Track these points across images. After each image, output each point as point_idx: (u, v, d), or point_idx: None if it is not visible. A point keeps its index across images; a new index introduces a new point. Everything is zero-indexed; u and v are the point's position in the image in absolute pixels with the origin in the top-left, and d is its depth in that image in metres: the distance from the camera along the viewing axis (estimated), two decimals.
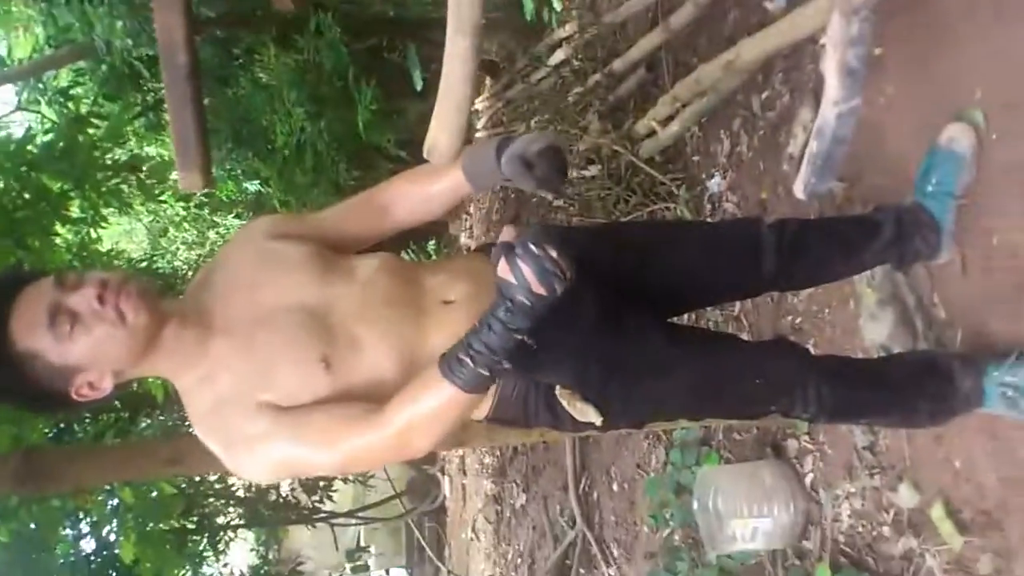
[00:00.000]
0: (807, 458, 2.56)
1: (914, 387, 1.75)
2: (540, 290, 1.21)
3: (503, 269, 1.23)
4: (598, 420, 1.52)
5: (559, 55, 4.07)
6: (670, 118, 3.21)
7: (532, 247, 1.21)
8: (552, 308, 1.24)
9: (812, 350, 1.79)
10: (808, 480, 2.54)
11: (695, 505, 2.83)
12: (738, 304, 2.94)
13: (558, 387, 1.52)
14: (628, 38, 3.77)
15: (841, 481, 2.38)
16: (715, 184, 3.14)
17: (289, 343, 1.37)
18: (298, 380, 1.36)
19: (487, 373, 1.26)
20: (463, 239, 7.85)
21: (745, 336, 2.86)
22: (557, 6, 3.96)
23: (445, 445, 2.35)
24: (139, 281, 1.36)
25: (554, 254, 1.21)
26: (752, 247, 1.71)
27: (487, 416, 1.55)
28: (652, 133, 3.39)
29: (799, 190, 1.49)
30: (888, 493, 2.20)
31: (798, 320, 2.60)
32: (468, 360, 1.26)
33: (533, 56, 4.49)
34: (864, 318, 2.24)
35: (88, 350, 1.30)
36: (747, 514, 2.59)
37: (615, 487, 4.14)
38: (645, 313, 1.61)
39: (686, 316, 2.86)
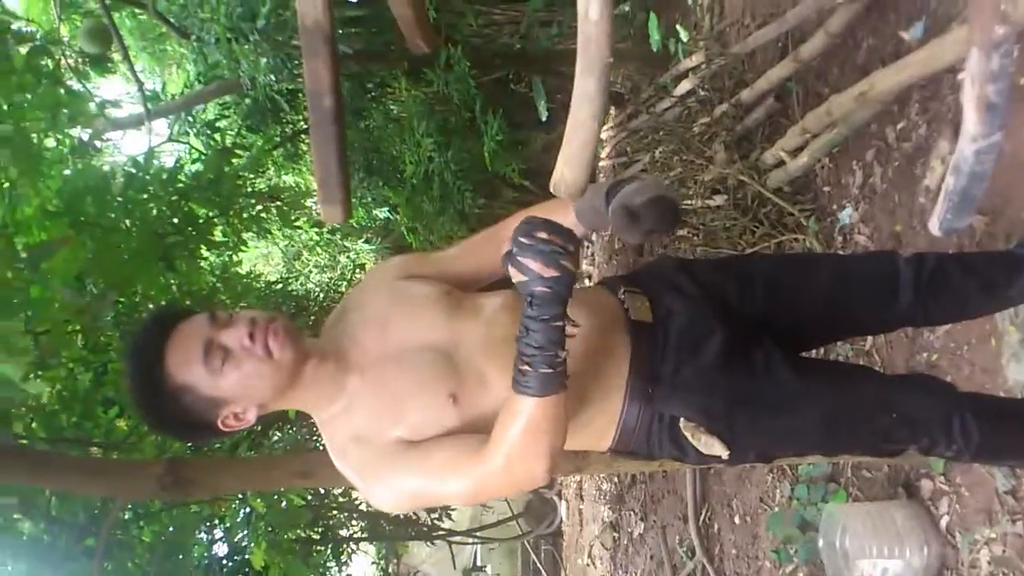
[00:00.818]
0: (942, 500, 2.46)
1: None
2: (551, 272, 1.24)
3: (513, 275, 1.27)
4: (724, 453, 1.52)
5: (685, 85, 4.07)
6: (799, 149, 3.16)
7: (523, 239, 1.25)
8: (574, 281, 1.27)
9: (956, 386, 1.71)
10: (943, 523, 2.44)
11: (821, 542, 2.76)
12: (870, 339, 2.86)
13: (682, 419, 1.52)
14: (757, 68, 3.74)
15: (980, 526, 2.28)
16: (847, 216, 3.06)
17: (419, 381, 1.43)
18: (427, 416, 1.41)
19: (550, 370, 1.28)
20: (584, 266, 7.87)
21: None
22: (684, 36, 3.96)
23: (563, 469, 2.37)
24: (285, 320, 1.45)
25: (545, 235, 1.25)
26: (889, 281, 1.68)
27: (610, 447, 1.57)
28: (780, 163, 3.34)
29: (935, 227, 1.44)
30: None
31: (934, 357, 2.51)
32: (527, 368, 1.28)
33: (659, 86, 4.50)
34: (1007, 357, 2.15)
35: (237, 383, 1.38)
36: (876, 555, 2.50)
37: (737, 520, 4.06)
38: (772, 347, 1.59)
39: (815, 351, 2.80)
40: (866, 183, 2.97)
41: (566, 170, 1.64)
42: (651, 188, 1.40)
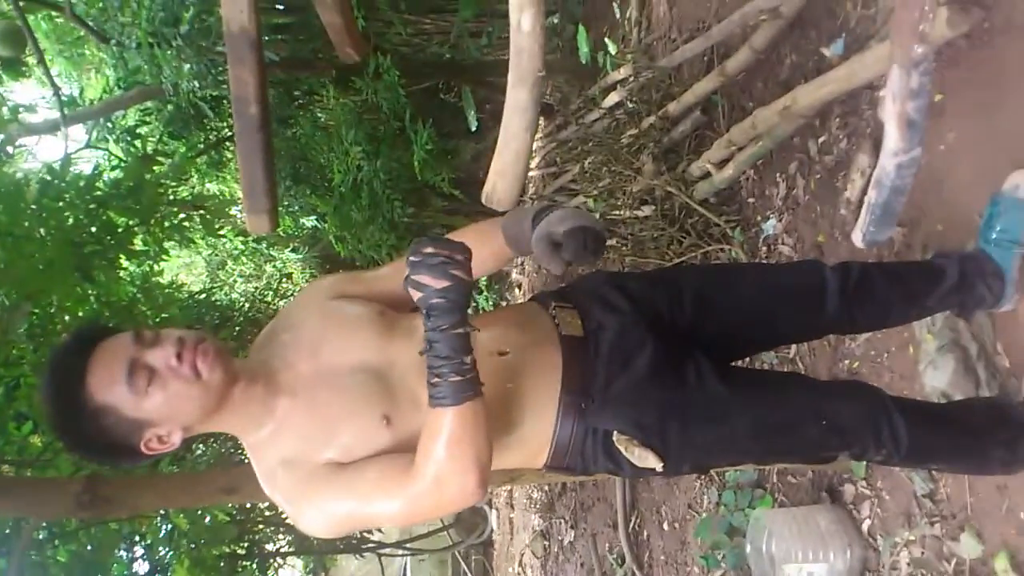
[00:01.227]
0: (864, 504, 2.52)
1: (988, 434, 1.74)
2: (442, 283, 1.26)
3: (413, 295, 1.28)
4: (658, 465, 1.53)
5: (613, 97, 4.11)
6: (725, 161, 3.22)
7: (413, 258, 1.27)
8: (469, 289, 1.29)
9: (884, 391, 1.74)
10: (865, 526, 2.51)
11: (748, 548, 2.80)
12: (794, 347, 2.93)
13: (616, 433, 1.53)
14: (683, 82, 3.80)
15: (900, 529, 2.35)
16: (771, 227, 3.13)
17: (351, 403, 1.41)
18: (360, 438, 1.39)
19: (460, 377, 1.28)
20: (514, 274, 7.89)
21: None
22: (612, 50, 4.00)
23: (496, 480, 2.36)
24: (214, 341, 1.41)
25: (432, 249, 1.27)
26: (815, 290, 1.72)
27: (545, 463, 1.56)
28: (707, 175, 3.40)
29: (858, 239, 1.49)
30: (949, 542, 2.16)
31: (855, 364, 2.58)
32: (438, 379, 1.28)
33: (587, 98, 4.54)
34: (924, 364, 2.21)
35: (163, 405, 1.33)
36: (801, 559, 2.55)
37: (666, 526, 4.10)
38: (702, 358, 1.61)
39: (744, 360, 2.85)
40: (789, 195, 3.04)
41: (499, 182, 1.64)
42: (573, 218, 1.43)
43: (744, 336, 1.79)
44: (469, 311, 1.31)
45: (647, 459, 1.52)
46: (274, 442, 1.42)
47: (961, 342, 2.12)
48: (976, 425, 1.76)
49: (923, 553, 2.26)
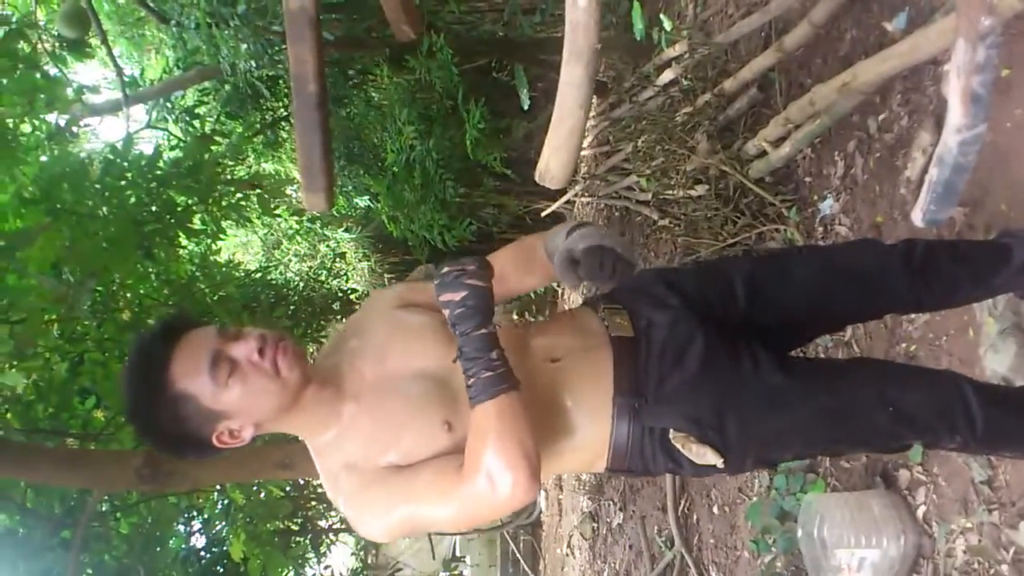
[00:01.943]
0: (919, 490, 2.48)
1: None
2: (459, 294, 1.34)
3: (442, 308, 1.37)
4: (718, 461, 1.51)
5: (668, 75, 4.06)
6: (782, 139, 3.17)
7: (435, 283, 1.37)
8: (486, 293, 1.35)
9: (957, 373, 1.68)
10: (920, 513, 2.46)
11: (799, 533, 2.77)
12: (849, 330, 2.88)
13: (671, 431, 1.51)
14: (740, 58, 3.73)
15: (956, 516, 2.30)
16: (827, 207, 3.08)
17: (413, 409, 1.44)
18: (420, 442, 1.42)
19: (490, 372, 1.32)
20: None
21: None
22: (667, 26, 3.95)
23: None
24: (293, 341, 1.45)
25: (446, 268, 1.36)
26: (877, 269, 1.67)
27: (606, 468, 1.56)
28: (763, 154, 3.35)
29: (917, 218, 1.45)
30: (1007, 530, 2.12)
31: (913, 348, 2.53)
32: (472, 379, 1.33)
33: (642, 75, 4.49)
34: (984, 348, 2.16)
35: (240, 398, 1.37)
36: (854, 544, 2.52)
37: (715, 510, 4.08)
38: (759, 347, 1.58)
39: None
40: (847, 174, 2.98)
41: (552, 159, 1.64)
42: (595, 236, 1.43)
43: (802, 322, 1.75)
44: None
45: (706, 456, 1.50)
46: (338, 446, 1.46)
47: (1023, 325, 2.06)
48: None
49: (980, 541, 2.22)
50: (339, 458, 1.45)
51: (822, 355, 2.96)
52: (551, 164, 1.64)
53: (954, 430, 1.56)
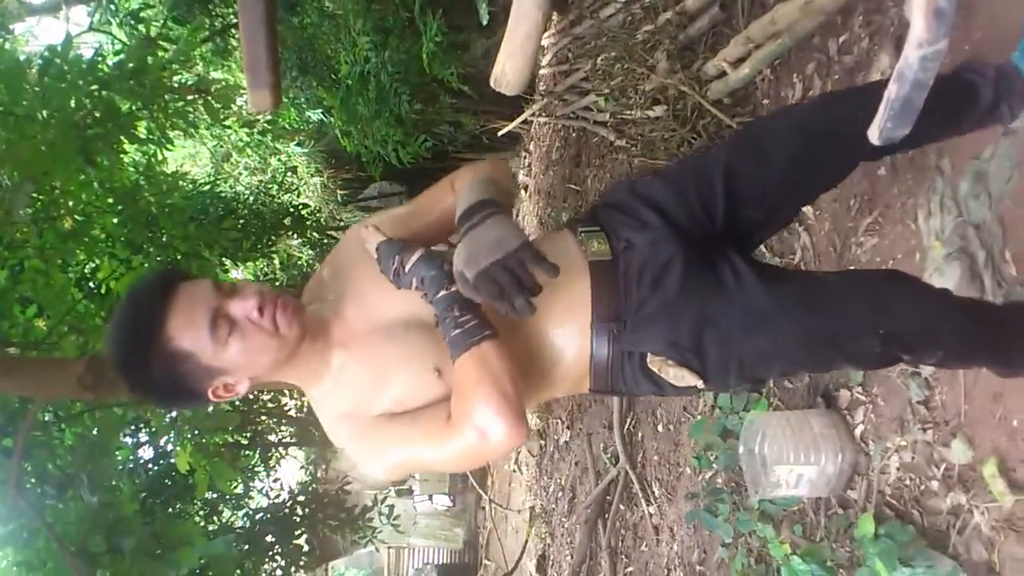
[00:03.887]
0: (858, 409, 2.54)
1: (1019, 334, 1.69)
2: (412, 270, 1.40)
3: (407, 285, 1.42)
4: (698, 383, 1.50)
5: None
6: (741, 60, 3.13)
7: (386, 275, 1.44)
8: (430, 257, 1.40)
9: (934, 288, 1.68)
10: (858, 431, 2.53)
11: (740, 449, 2.84)
12: (798, 252, 2.90)
13: (649, 355, 1.50)
14: None
15: (892, 434, 2.37)
16: None
17: (402, 356, 1.43)
18: (412, 389, 1.42)
19: (458, 329, 1.34)
20: (521, 176, 7.82)
21: None
22: None
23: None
24: (292, 296, 1.43)
25: (386, 253, 1.43)
26: (849, 120, 1.56)
27: (591, 388, 1.57)
28: (722, 74, 3.32)
29: (874, 135, 1.44)
30: (940, 448, 2.18)
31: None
32: (446, 337, 1.36)
33: None
34: (930, 272, 2.20)
35: (239, 355, 1.37)
36: (793, 461, 2.58)
37: (660, 428, 4.17)
38: (740, 261, 1.54)
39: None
40: (805, 96, 2.96)
41: (508, 63, 1.60)
42: (483, 253, 1.31)
43: (779, 204, 1.70)
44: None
45: (685, 378, 1.49)
46: (332, 396, 1.46)
47: (969, 249, 2.09)
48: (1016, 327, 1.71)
49: (913, 458, 2.29)
50: (334, 408, 1.46)
51: None
52: (507, 69, 1.60)
53: (938, 347, 1.57)
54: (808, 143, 1.62)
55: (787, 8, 2.51)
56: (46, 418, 4.00)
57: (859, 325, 1.52)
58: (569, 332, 1.50)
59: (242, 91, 7.55)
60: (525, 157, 7.86)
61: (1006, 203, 2.02)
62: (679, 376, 1.50)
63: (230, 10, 6.24)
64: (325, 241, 7.52)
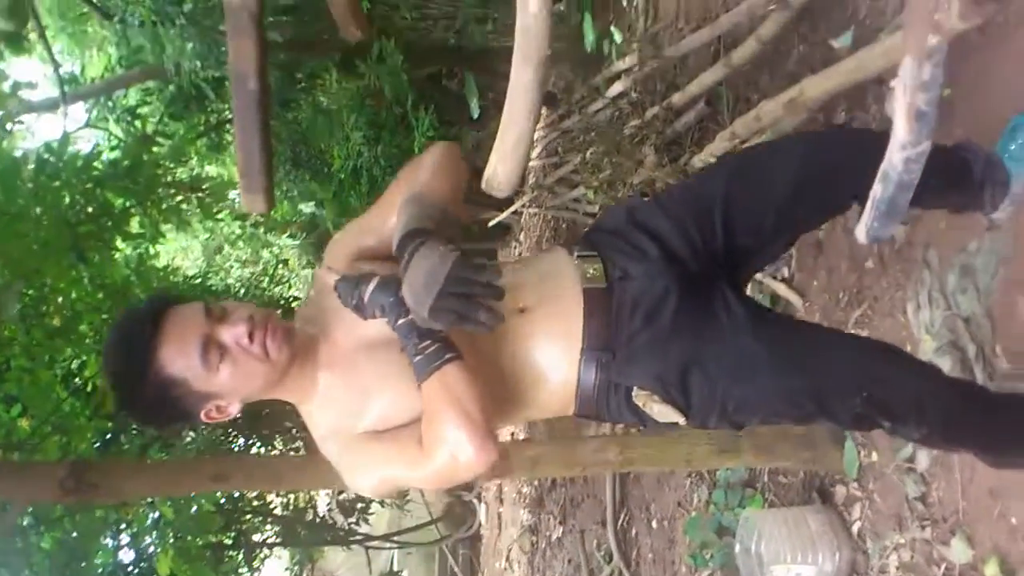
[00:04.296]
0: (855, 506, 2.50)
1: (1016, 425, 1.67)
2: (369, 302, 1.39)
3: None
4: (680, 420, 1.50)
5: (617, 87, 4.07)
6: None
7: (346, 303, 1.42)
8: (386, 284, 1.37)
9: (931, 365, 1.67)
10: (855, 528, 2.49)
11: (737, 548, 2.78)
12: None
13: (635, 389, 1.50)
14: (689, 72, 3.76)
15: (890, 532, 2.33)
16: None
17: (385, 374, 1.44)
18: (395, 406, 1.44)
19: (419, 355, 1.34)
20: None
21: None
22: (618, 38, 3.97)
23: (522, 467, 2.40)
24: (280, 319, 1.46)
25: (344, 286, 1.41)
26: (857, 155, 1.57)
27: (575, 412, 1.58)
28: None
29: (861, 235, 1.45)
30: (939, 547, 2.14)
31: None
32: (411, 363, 1.36)
33: (591, 87, 4.50)
34: None
35: (230, 380, 1.40)
36: (790, 560, 2.53)
37: (654, 524, 4.09)
38: (736, 301, 1.54)
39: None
40: None
41: (499, 166, 1.61)
42: (424, 292, 1.28)
43: (778, 233, 1.69)
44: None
45: (668, 415, 1.50)
46: (319, 414, 1.50)
47: (959, 343, 2.09)
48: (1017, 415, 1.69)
49: (912, 557, 2.24)
50: (321, 425, 1.49)
51: None
52: (498, 171, 1.61)
53: (922, 422, 1.54)
54: (809, 178, 1.63)
55: (771, 106, 2.57)
56: (24, 522, 3.89)
57: (845, 385, 1.51)
58: (558, 357, 1.51)
59: (235, 185, 7.64)
60: (516, 247, 7.92)
61: (994, 297, 2.03)
62: (663, 413, 1.50)
63: (225, 106, 6.34)
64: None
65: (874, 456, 2.42)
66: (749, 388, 1.50)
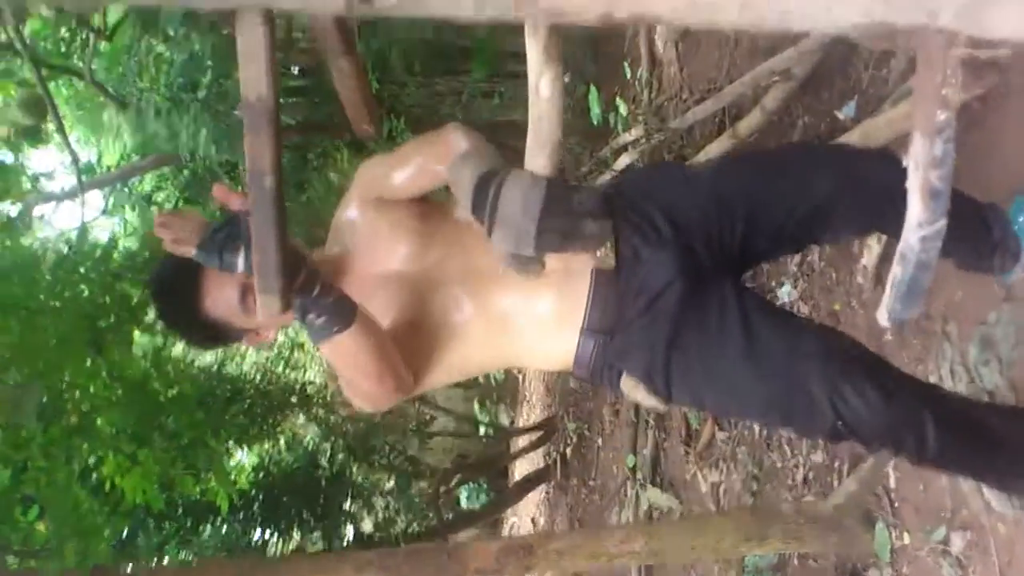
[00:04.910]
0: None
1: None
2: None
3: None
4: (661, 407, 1.61)
5: (625, 159, 4.11)
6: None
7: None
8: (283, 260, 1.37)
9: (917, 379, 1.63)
10: None
11: None
12: None
13: (624, 374, 1.57)
14: (695, 143, 3.79)
15: None
16: (786, 293, 3.09)
17: (387, 307, 1.59)
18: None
19: (312, 327, 1.42)
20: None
21: None
22: (623, 110, 4.02)
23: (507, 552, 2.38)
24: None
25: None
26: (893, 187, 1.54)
27: (573, 374, 1.66)
28: None
29: (883, 318, 1.42)
30: None
31: None
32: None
33: (599, 159, 4.55)
34: None
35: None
36: None
37: None
38: (732, 295, 1.52)
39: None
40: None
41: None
42: (524, 224, 1.25)
43: (795, 240, 1.71)
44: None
45: (651, 403, 1.59)
46: None
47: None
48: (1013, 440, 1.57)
49: None
50: None
51: None
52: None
53: (900, 449, 1.49)
54: (837, 197, 1.60)
55: None
56: None
57: (820, 403, 1.44)
58: (561, 323, 1.58)
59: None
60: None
61: (1017, 368, 2.00)
62: (646, 400, 1.58)
63: (239, 187, 6.44)
64: (331, 418, 7.44)
65: (906, 538, 2.35)
66: (727, 390, 1.54)
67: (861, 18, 1.02)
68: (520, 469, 9.18)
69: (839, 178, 1.61)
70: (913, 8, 0.98)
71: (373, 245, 1.64)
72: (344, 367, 1.51)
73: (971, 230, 1.78)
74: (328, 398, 7.45)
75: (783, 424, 1.61)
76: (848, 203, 1.61)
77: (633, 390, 1.57)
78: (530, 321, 1.59)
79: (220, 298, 1.55)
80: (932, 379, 2.26)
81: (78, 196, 5.60)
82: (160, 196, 6.31)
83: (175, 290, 1.59)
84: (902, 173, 1.56)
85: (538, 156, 1.48)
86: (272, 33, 0.99)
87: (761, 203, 1.61)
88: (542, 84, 1.33)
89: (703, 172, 1.74)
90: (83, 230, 4.29)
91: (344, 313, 1.42)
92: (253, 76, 1.07)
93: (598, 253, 1.55)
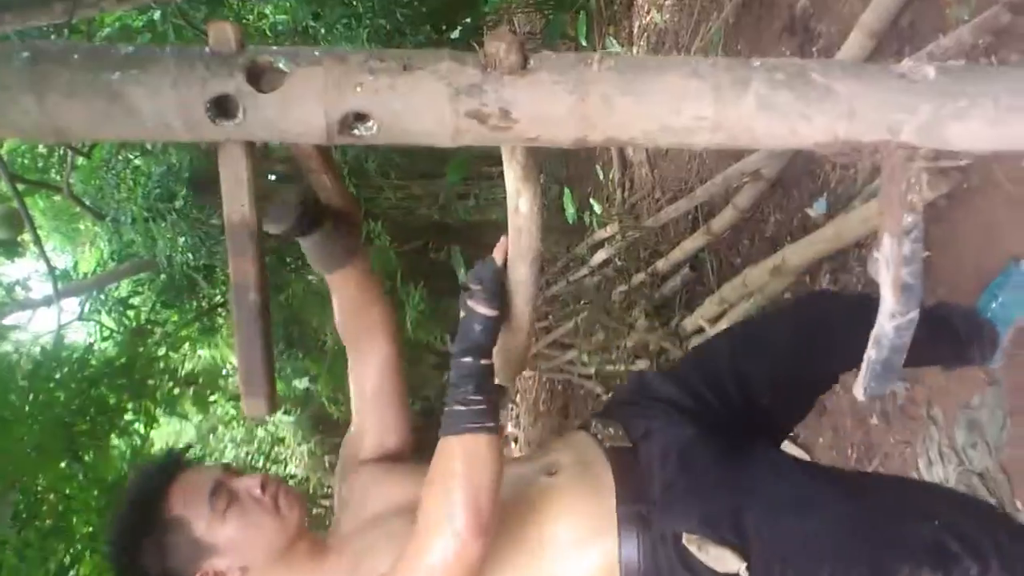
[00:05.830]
0: None
1: None
2: (463, 314, 1.32)
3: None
4: (740, 567, 1.32)
5: (601, 255, 4.18)
6: (719, 316, 3.24)
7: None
8: (483, 320, 1.29)
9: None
10: None
11: None
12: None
13: (684, 534, 1.33)
14: (670, 239, 3.87)
15: None
16: None
17: (393, 542, 1.31)
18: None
19: (461, 407, 1.23)
20: (510, 428, 7.79)
21: None
22: (598, 209, 4.11)
23: None
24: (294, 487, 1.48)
25: (466, 283, 1.33)
26: (846, 319, 1.54)
27: None
28: (701, 330, 3.41)
29: (859, 393, 1.46)
30: None
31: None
32: (445, 407, 1.25)
33: (576, 256, 4.62)
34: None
35: (235, 533, 1.33)
36: None
37: None
38: (771, 444, 1.54)
39: None
40: None
41: (497, 358, 1.63)
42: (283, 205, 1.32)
43: (793, 389, 1.69)
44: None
45: (725, 559, 1.32)
46: None
47: (978, 496, 2.07)
48: None
49: None
50: None
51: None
52: (499, 365, 1.63)
53: (985, 566, 1.34)
54: (805, 337, 1.66)
55: (756, 272, 2.63)
56: None
57: (908, 509, 1.37)
58: (591, 520, 1.35)
59: (229, 366, 7.65)
60: (513, 408, 7.88)
61: (1006, 451, 2.02)
62: (719, 557, 1.31)
63: (217, 291, 6.44)
64: (314, 510, 7.32)
65: None
66: (806, 524, 1.32)
67: (825, 137, 1.08)
68: None
69: (797, 328, 1.70)
70: (875, 126, 1.04)
71: (382, 492, 1.48)
72: (455, 475, 1.20)
73: (936, 334, 1.84)
74: (311, 491, 7.34)
75: (889, 557, 1.35)
76: (816, 346, 1.67)
77: (702, 547, 1.32)
78: (559, 527, 1.35)
79: (190, 490, 1.35)
80: (921, 462, 2.28)
81: (54, 303, 5.59)
82: (136, 300, 6.29)
83: (150, 472, 1.41)
84: (850, 309, 1.64)
85: (520, 266, 1.53)
86: (254, 163, 1.03)
87: (741, 365, 1.65)
88: (521, 202, 1.38)
89: (680, 362, 1.83)
90: (59, 339, 4.27)
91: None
92: (236, 200, 1.10)
93: (611, 434, 1.53)
